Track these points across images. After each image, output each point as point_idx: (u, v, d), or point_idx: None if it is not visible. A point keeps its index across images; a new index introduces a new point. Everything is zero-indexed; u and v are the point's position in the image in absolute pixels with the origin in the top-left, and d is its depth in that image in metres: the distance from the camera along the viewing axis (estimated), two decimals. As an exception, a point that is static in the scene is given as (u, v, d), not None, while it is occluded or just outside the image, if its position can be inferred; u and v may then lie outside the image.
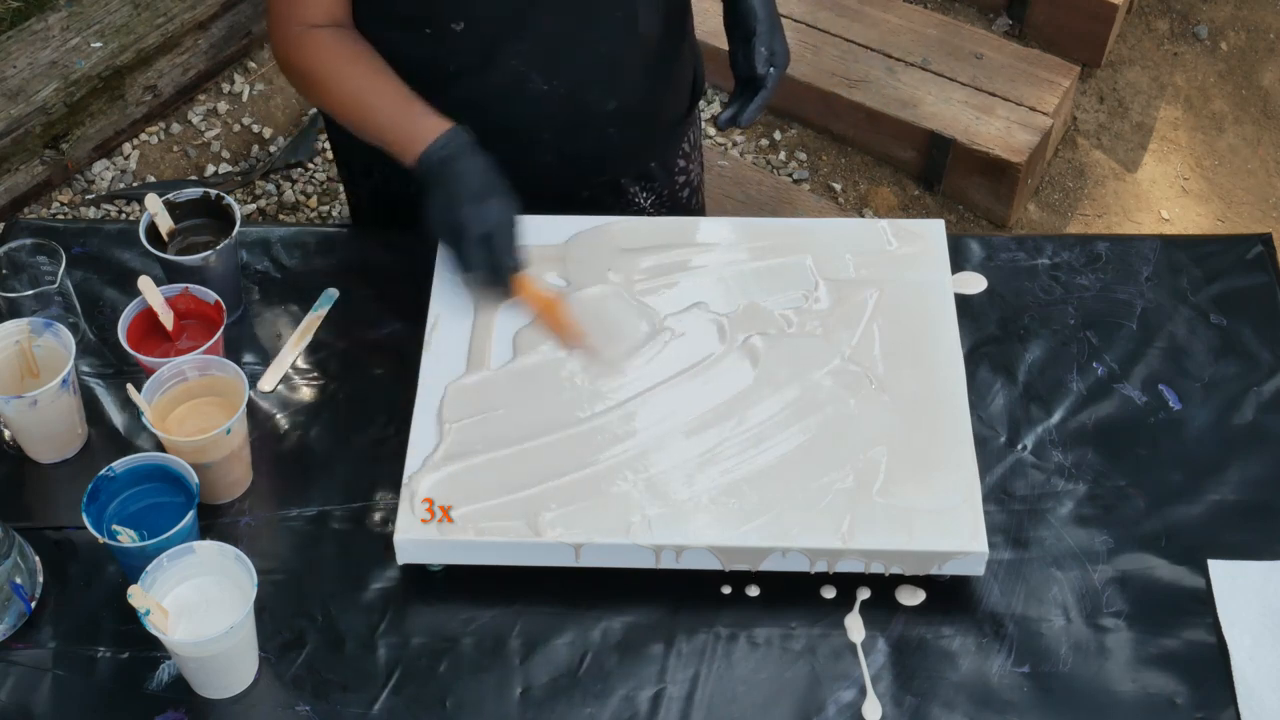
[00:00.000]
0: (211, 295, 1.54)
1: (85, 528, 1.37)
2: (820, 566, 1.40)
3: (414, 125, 1.54)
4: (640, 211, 1.81)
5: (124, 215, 2.84)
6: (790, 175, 2.95)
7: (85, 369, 1.61)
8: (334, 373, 1.61)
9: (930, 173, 2.90)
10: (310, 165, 2.94)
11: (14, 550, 1.40)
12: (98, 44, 2.82)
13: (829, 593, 1.42)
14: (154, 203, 1.59)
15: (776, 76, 1.60)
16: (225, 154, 2.96)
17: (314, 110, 3.01)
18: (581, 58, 1.62)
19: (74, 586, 1.44)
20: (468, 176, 1.52)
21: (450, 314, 1.56)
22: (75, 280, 1.64)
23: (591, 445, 1.45)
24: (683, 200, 1.87)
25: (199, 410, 1.49)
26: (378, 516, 1.48)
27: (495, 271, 1.53)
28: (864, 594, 1.42)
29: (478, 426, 1.47)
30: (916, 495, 1.41)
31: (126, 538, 1.38)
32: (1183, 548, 1.45)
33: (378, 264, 1.71)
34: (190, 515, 1.37)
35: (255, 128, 3.00)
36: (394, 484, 1.48)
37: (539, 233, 1.65)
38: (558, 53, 1.60)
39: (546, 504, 1.41)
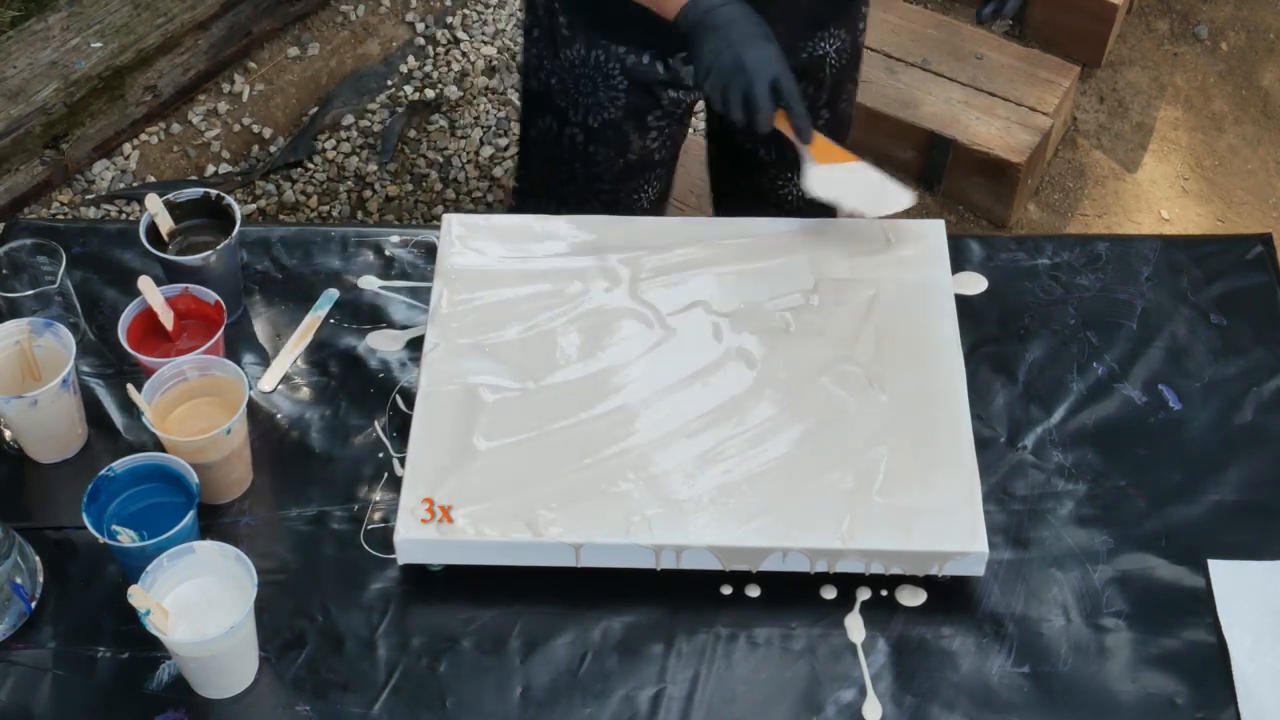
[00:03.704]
0: (211, 295, 1.54)
1: (85, 528, 1.37)
2: (820, 566, 1.40)
3: None
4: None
5: (124, 215, 2.84)
6: (790, 175, 2.95)
7: (85, 369, 1.61)
8: (334, 373, 1.61)
9: (930, 173, 2.90)
10: (310, 165, 2.94)
11: (14, 550, 1.40)
12: (98, 44, 2.82)
13: (829, 593, 1.42)
14: (154, 203, 1.59)
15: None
16: (225, 154, 2.96)
17: (314, 110, 3.01)
18: None
19: (74, 586, 1.44)
20: (742, 22, 1.52)
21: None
22: (75, 280, 1.64)
23: (592, 445, 1.45)
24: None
25: (199, 410, 1.49)
26: (378, 516, 1.48)
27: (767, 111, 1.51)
28: (864, 594, 1.42)
29: (478, 426, 1.47)
30: (916, 495, 1.41)
31: (126, 538, 1.38)
32: (1183, 548, 1.45)
33: (378, 264, 1.71)
34: (190, 515, 1.37)
35: (255, 128, 3.00)
36: (394, 484, 1.48)
37: (539, 232, 1.65)
38: None
39: (546, 504, 1.41)
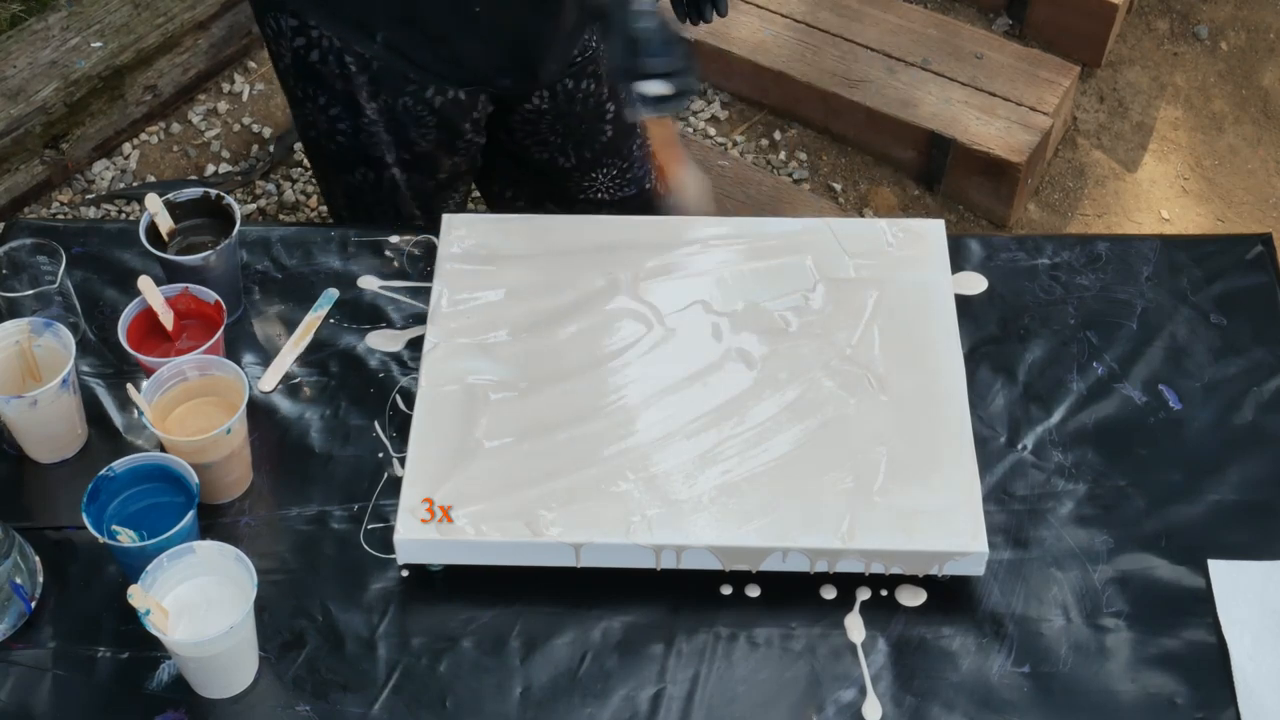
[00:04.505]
0: (211, 295, 1.54)
1: (85, 528, 1.37)
2: (820, 567, 1.40)
3: None
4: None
5: (124, 215, 2.84)
6: (790, 175, 2.95)
7: (85, 369, 1.61)
8: (334, 373, 1.61)
9: (930, 173, 2.90)
10: (310, 165, 2.94)
11: (14, 550, 1.40)
12: (98, 44, 2.82)
13: (829, 593, 1.42)
14: (154, 203, 1.59)
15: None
16: (225, 154, 2.96)
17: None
18: None
19: (74, 586, 1.44)
20: None
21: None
22: (75, 280, 1.64)
23: (592, 445, 1.45)
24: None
25: (199, 410, 1.49)
26: (378, 516, 1.48)
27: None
28: (864, 594, 1.42)
29: (478, 426, 1.47)
30: (916, 495, 1.41)
31: (126, 538, 1.38)
32: (1183, 548, 1.45)
33: (378, 264, 1.71)
34: (190, 515, 1.37)
35: (255, 128, 3.00)
36: (394, 484, 1.48)
37: (539, 232, 1.65)
38: None
39: (546, 504, 1.41)
